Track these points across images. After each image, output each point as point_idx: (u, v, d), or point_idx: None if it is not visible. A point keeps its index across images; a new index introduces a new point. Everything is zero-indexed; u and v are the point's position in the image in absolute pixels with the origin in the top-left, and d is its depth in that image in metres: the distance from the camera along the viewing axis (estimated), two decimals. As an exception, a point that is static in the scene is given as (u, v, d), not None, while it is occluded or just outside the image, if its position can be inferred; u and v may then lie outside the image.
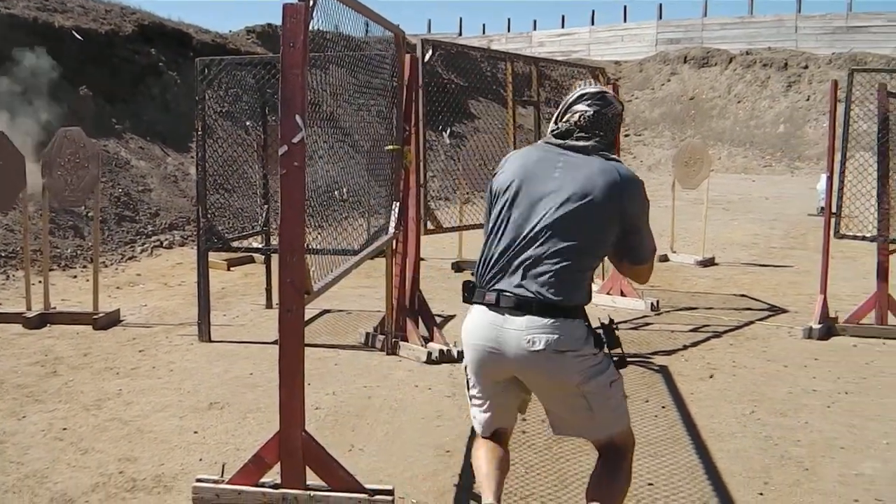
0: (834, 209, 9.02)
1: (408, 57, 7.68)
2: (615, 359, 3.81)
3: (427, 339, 8.01)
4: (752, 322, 9.54)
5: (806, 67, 36.55)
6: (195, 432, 5.91)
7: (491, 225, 3.88)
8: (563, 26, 48.97)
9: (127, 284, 11.47)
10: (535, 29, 49.57)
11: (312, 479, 4.43)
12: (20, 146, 9.05)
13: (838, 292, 10.42)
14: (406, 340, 7.96)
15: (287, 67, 4.20)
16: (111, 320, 9.05)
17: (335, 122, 6.23)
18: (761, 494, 5.00)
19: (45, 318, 8.95)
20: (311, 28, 4.41)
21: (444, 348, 7.77)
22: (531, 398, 4.04)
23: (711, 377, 7.39)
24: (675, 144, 31.30)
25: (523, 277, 3.67)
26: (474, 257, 12.57)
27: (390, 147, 7.32)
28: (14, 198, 9.06)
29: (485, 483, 3.89)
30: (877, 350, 8.35)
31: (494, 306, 3.72)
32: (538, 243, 3.67)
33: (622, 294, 10.20)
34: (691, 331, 9.09)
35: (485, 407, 4.02)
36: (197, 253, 8.74)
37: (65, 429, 5.93)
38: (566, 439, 5.30)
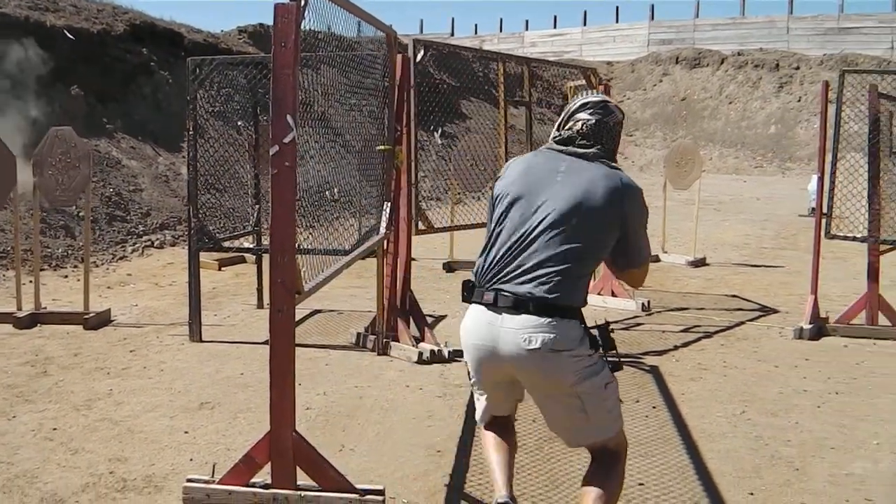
0: (825, 210, 9.04)
1: (399, 57, 7.68)
2: (610, 361, 3.84)
3: (418, 340, 8.01)
4: (742, 322, 9.56)
5: (797, 68, 36.63)
6: (186, 432, 5.90)
7: (493, 227, 3.95)
8: (555, 27, 49.05)
9: (118, 284, 11.45)
10: (527, 29, 49.63)
11: (303, 479, 4.43)
12: (10, 145, 9.02)
13: (829, 293, 10.45)
14: (397, 341, 7.96)
15: (278, 67, 4.20)
16: (102, 320, 9.04)
17: (327, 122, 6.24)
18: (752, 494, 5.01)
19: (36, 318, 8.94)
20: (302, 28, 4.41)
21: (436, 348, 7.77)
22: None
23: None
24: (667, 145, 31.32)
25: (522, 278, 3.72)
26: (466, 258, 12.60)
27: (382, 147, 7.32)
28: (5, 197, 9.04)
29: (496, 476, 4.04)
30: (867, 350, 8.37)
31: (492, 306, 3.77)
32: (538, 245, 3.73)
33: (613, 294, 10.21)
34: (682, 331, 9.10)
35: (486, 398, 4.14)
36: (188, 253, 8.72)
37: (55, 429, 5.92)
38: (557, 440, 5.30)
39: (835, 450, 5.73)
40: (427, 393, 6.86)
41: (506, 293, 3.73)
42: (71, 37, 17.13)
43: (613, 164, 3.91)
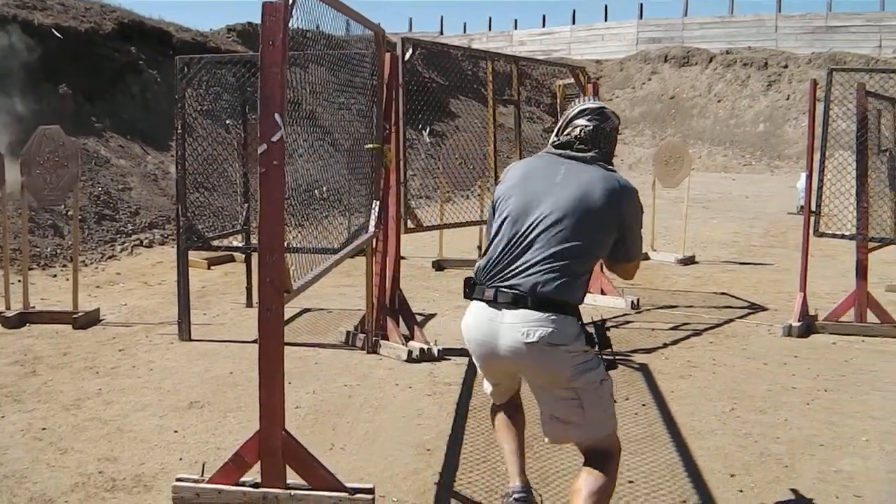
0: (813, 207, 9.07)
1: (388, 55, 7.67)
2: (605, 359, 3.94)
3: (408, 338, 8.01)
4: (732, 320, 9.57)
5: (786, 67, 36.69)
6: (175, 431, 5.90)
7: (494, 228, 4.05)
8: (543, 25, 49.11)
9: (107, 283, 11.43)
10: (516, 28, 49.66)
11: (293, 477, 4.43)
12: (-2, 144, 9.01)
13: (818, 290, 10.48)
14: (387, 339, 7.96)
15: (266, 66, 4.20)
16: (91, 319, 9.02)
17: (315, 120, 6.23)
18: (741, 492, 5.02)
19: (25, 318, 8.92)
20: (290, 26, 4.41)
21: (425, 347, 7.77)
22: None
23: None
24: (656, 143, 31.35)
25: (522, 275, 3.83)
26: (455, 256, 12.61)
27: (370, 146, 7.32)
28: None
29: (509, 467, 4.45)
30: (856, 348, 8.40)
31: (493, 302, 3.88)
32: (538, 244, 3.84)
33: (602, 292, 10.21)
34: (671, 329, 9.12)
35: (492, 384, 4.41)
36: (177, 252, 8.71)
37: (44, 429, 5.91)
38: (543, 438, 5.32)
39: (824, 447, 5.74)
40: (416, 391, 6.86)
41: (505, 290, 3.84)
42: (59, 35, 17.09)
43: (610, 167, 4.05)
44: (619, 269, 4.20)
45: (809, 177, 9.11)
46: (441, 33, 52.15)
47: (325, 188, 6.49)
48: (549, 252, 3.81)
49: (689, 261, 13.67)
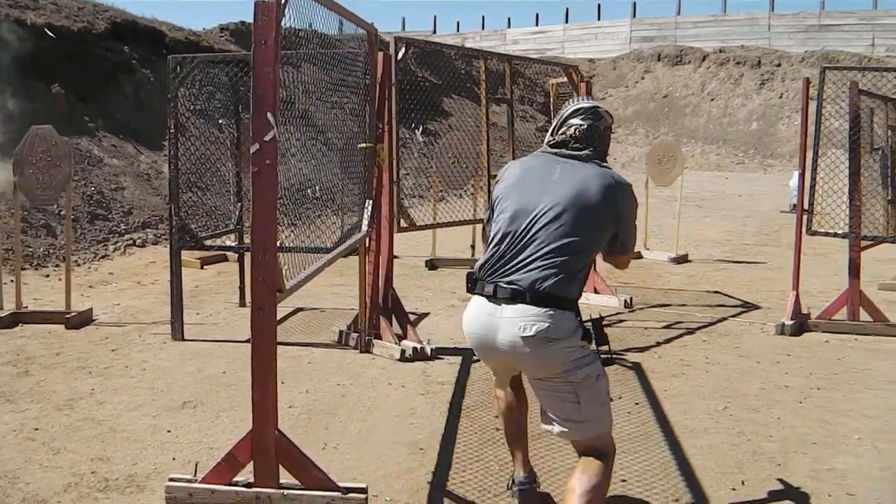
0: (806, 206, 9.08)
1: (381, 55, 7.67)
2: (601, 355, 4.09)
3: (401, 337, 8.00)
4: (724, 318, 9.58)
5: (779, 65, 36.76)
6: (168, 431, 5.89)
7: (494, 226, 4.17)
8: (537, 24, 49.19)
9: (100, 283, 11.41)
10: (509, 27, 49.73)
11: (286, 477, 4.42)
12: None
13: (810, 289, 10.50)
14: (379, 338, 7.96)
15: (259, 65, 4.19)
16: (84, 319, 9.00)
17: (308, 119, 6.23)
18: (734, 490, 5.02)
19: (17, 318, 8.90)
20: (283, 26, 4.41)
21: (418, 346, 7.77)
22: None
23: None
24: (649, 142, 31.33)
25: (521, 271, 3.93)
26: (448, 255, 12.59)
27: (363, 145, 7.31)
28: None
29: (514, 458, 4.72)
30: (849, 346, 8.41)
31: (492, 297, 3.98)
32: (537, 241, 3.95)
33: (596, 291, 10.20)
34: (664, 327, 9.12)
35: (495, 372, 4.62)
36: (170, 251, 8.69)
37: (37, 429, 5.90)
38: (540, 438, 5.32)
39: (817, 445, 5.75)
40: (409, 391, 6.86)
41: (504, 285, 3.94)
42: (52, 35, 17.06)
43: (605, 164, 4.19)
44: (614, 260, 4.33)
45: (802, 175, 9.13)
46: (434, 32, 52.16)
47: (318, 187, 6.48)
48: (548, 249, 3.91)
49: (682, 259, 13.68)
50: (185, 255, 9.84)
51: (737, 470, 5.31)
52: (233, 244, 10.24)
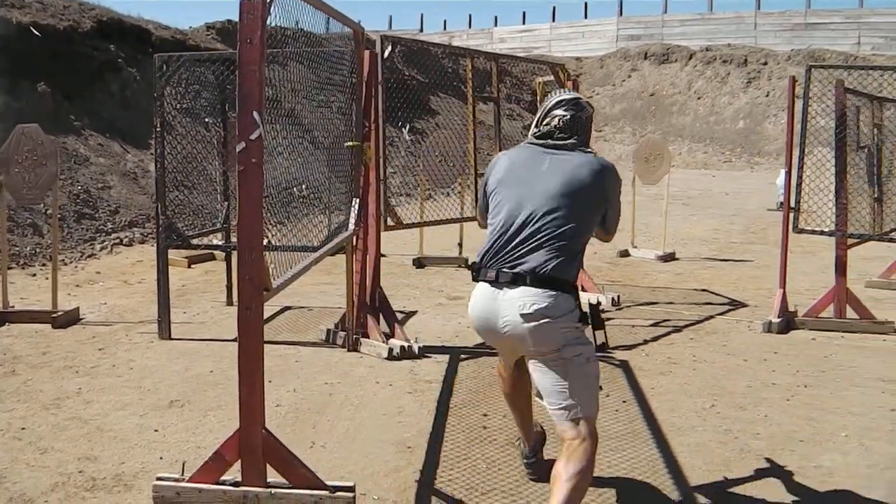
0: (793, 204, 9.10)
1: (367, 53, 7.67)
2: (596, 338, 4.44)
3: (388, 336, 8.00)
4: (712, 316, 9.60)
5: (765, 64, 36.88)
6: (155, 430, 5.88)
7: (491, 217, 4.42)
8: (524, 23, 49.31)
9: (86, 282, 11.38)
10: (496, 25, 49.84)
11: (273, 476, 4.42)
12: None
13: (797, 286, 10.52)
14: (367, 337, 7.95)
15: (244, 64, 4.19)
16: (70, 319, 8.98)
17: (295, 118, 6.22)
18: (721, 488, 5.03)
19: (4, 317, 8.87)
20: (269, 24, 4.40)
21: (405, 345, 7.77)
22: None
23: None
24: (636, 140, 31.41)
25: (521, 257, 4.16)
26: (436, 253, 12.56)
27: (350, 143, 7.31)
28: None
29: (521, 431, 5.08)
30: (835, 344, 8.43)
31: (495, 282, 4.21)
32: (534, 228, 4.17)
33: (583, 289, 10.18)
34: (652, 325, 9.14)
35: (499, 352, 4.79)
36: (157, 250, 8.68)
37: (23, 428, 5.88)
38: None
39: (804, 442, 5.76)
40: (397, 389, 6.86)
41: (505, 271, 4.17)
42: (37, 33, 17.01)
43: (589, 150, 4.45)
44: (601, 233, 4.58)
45: (789, 173, 9.15)
46: (421, 31, 52.29)
47: (304, 186, 6.48)
48: (548, 235, 4.14)
49: (669, 257, 13.69)
50: (172, 254, 9.82)
51: (724, 468, 5.32)
52: (220, 243, 10.22)
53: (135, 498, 4.81)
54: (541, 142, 4.46)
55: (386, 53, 8.02)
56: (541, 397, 4.27)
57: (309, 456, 5.08)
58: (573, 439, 4.05)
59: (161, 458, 5.38)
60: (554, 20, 47.72)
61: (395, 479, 5.09)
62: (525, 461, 5.10)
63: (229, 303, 9.74)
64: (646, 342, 8.41)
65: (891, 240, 9.85)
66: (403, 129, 19.29)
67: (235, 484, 4.40)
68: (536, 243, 4.15)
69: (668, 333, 8.78)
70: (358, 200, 7.46)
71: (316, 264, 6.03)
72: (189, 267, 12.34)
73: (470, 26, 51.46)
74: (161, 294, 8.39)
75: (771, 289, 10.03)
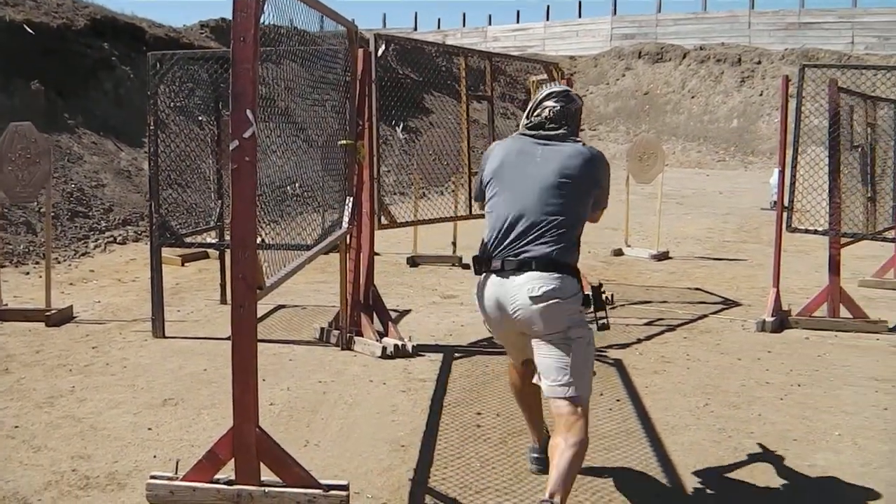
0: (786, 203, 9.11)
1: (361, 51, 7.66)
2: (599, 321, 4.55)
3: (382, 334, 8.00)
4: (705, 315, 9.61)
5: (759, 63, 36.91)
6: (149, 429, 5.87)
7: (489, 209, 4.59)
8: (518, 21, 49.24)
9: (80, 281, 11.36)
10: (490, 24, 49.85)
11: (267, 474, 4.42)
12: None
13: (791, 285, 10.52)
14: (361, 335, 7.95)
15: (238, 62, 4.18)
16: (64, 317, 8.96)
17: (289, 116, 6.22)
18: (715, 487, 5.03)
19: (-3, 315, 8.87)
20: (262, 23, 4.40)
21: (399, 343, 7.77)
22: None
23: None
24: (630, 139, 31.49)
25: (523, 245, 4.35)
26: (430, 252, 12.54)
27: (344, 142, 7.30)
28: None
29: (529, 426, 5.18)
30: (829, 343, 8.44)
31: (500, 271, 4.38)
32: (533, 218, 4.36)
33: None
34: (645, 324, 9.14)
35: (508, 349, 4.94)
36: (150, 248, 8.67)
37: (17, 426, 5.87)
38: (521, 434, 5.34)
39: (797, 441, 5.77)
40: (391, 388, 6.86)
41: (510, 258, 4.35)
42: (31, 31, 16.98)
43: (578, 139, 4.64)
44: (591, 216, 4.69)
45: (782, 172, 9.16)
46: (415, 29, 52.30)
47: (298, 184, 6.48)
48: (547, 224, 4.34)
49: (663, 256, 13.69)
50: (166, 253, 9.81)
51: (718, 466, 5.32)
52: (213, 241, 10.22)
53: (128, 496, 4.81)
54: (532, 132, 4.62)
55: (380, 52, 8.01)
56: (538, 379, 4.40)
57: (303, 454, 5.08)
58: (570, 415, 4.23)
59: (155, 456, 5.38)
60: (548, 19, 47.77)
61: (389, 478, 5.09)
62: (532, 455, 5.17)
63: (223, 301, 9.72)
64: (639, 341, 8.41)
65: (884, 239, 9.88)
66: (397, 128, 19.29)
67: (229, 482, 4.40)
68: (538, 232, 4.32)
69: (661, 332, 8.78)
70: (352, 199, 7.45)
71: (309, 263, 6.02)
72: (183, 265, 12.32)
73: (464, 25, 51.48)
74: (155, 292, 8.37)
75: (764, 288, 10.05)
